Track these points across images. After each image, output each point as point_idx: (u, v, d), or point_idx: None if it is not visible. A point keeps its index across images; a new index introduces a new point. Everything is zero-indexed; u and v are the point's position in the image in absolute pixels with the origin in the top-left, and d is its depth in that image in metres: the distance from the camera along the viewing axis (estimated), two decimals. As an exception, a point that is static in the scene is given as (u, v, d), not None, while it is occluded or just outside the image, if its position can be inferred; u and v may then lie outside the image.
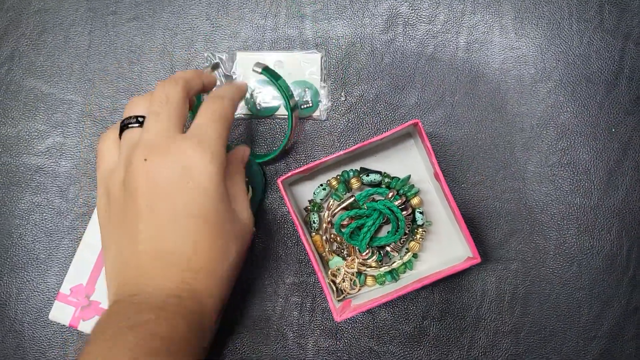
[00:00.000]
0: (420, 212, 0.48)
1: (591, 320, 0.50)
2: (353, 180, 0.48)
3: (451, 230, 0.50)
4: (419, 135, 0.46)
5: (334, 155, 0.46)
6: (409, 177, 0.49)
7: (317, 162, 0.46)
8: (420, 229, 0.48)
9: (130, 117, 0.40)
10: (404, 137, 0.50)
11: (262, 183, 0.50)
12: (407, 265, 0.49)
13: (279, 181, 0.46)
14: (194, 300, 0.36)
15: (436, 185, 0.49)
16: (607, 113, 0.51)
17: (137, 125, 0.39)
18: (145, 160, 0.36)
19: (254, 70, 0.49)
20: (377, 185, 0.49)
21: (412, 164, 0.50)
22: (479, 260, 0.44)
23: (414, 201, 0.48)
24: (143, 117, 0.39)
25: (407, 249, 0.49)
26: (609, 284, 0.50)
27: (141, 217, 0.36)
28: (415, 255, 0.49)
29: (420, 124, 0.45)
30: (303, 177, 0.50)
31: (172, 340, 0.33)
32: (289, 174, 0.46)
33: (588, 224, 0.51)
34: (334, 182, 0.49)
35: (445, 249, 0.50)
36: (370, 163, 0.50)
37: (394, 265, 0.49)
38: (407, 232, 0.48)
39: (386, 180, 0.48)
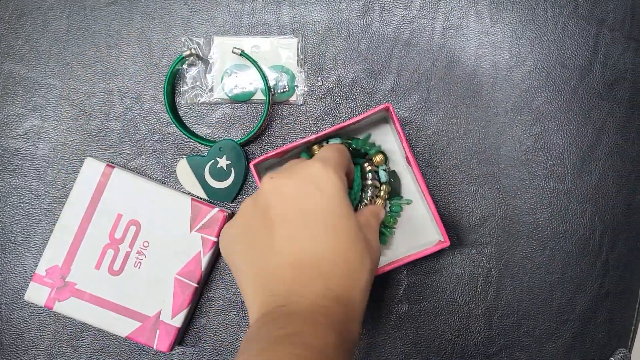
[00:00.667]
0: (384, 170, 0.49)
1: (564, 304, 0.51)
2: (314, 148, 0.49)
3: (425, 215, 0.50)
4: (391, 119, 0.47)
5: (307, 139, 0.46)
6: (369, 136, 0.49)
7: (290, 145, 0.46)
8: (384, 186, 0.49)
9: None
10: (379, 121, 0.51)
11: (244, 166, 0.51)
12: (387, 225, 0.50)
13: (251, 165, 0.46)
14: (340, 308, 0.35)
15: (411, 170, 0.49)
16: (581, 98, 0.52)
17: None
18: (272, 177, 0.38)
19: (233, 52, 0.50)
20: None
21: (388, 148, 0.51)
22: (448, 244, 0.44)
23: (377, 159, 0.48)
24: None
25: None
26: (582, 267, 0.51)
27: (274, 229, 0.37)
28: (387, 224, 0.49)
29: (391, 107, 0.45)
30: (279, 161, 0.51)
31: (324, 352, 0.32)
32: (261, 157, 0.46)
33: (561, 208, 0.51)
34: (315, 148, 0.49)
35: (419, 233, 0.50)
36: (346, 147, 0.51)
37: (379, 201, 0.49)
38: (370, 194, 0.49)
39: (346, 142, 0.48)
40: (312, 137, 0.46)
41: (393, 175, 0.50)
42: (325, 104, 0.52)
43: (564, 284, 0.51)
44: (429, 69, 0.52)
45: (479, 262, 0.51)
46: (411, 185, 0.51)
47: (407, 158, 0.47)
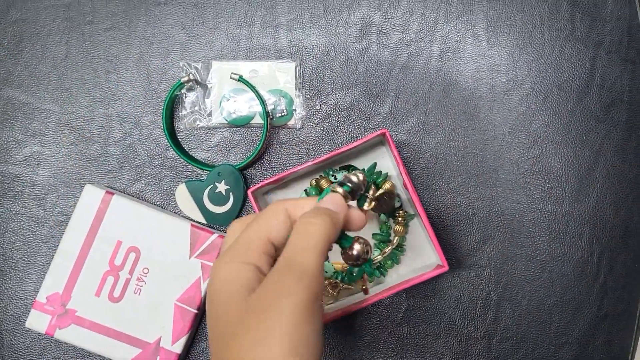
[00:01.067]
0: (397, 195, 0.49)
1: (562, 326, 0.51)
2: (322, 182, 0.49)
3: (423, 239, 0.51)
4: (388, 144, 0.47)
5: (305, 165, 0.46)
6: (375, 164, 0.49)
7: (288, 172, 0.46)
8: (401, 212, 0.49)
9: None
10: (376, 145, 0.51)
11: (243, 191, 0.51)
12: (394, 259, 0.50)
13: (249, 192, 0.46)
14: None
15: (408, 194, 0.49)
16: (579, 121, 0.52)
17: None
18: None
19: (231, 78, 0.50)
20: None
21: (385, 172, 0.51)
22: (446, 268, 0.44)
23: (386, 186, 0.49)
24: None
25: (390, 240, 0.50)
26: (580, 290, 0.51)
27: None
28: (400, 246, 0.50)
29: (388, 133, 0.45)
30: (277, 187, 0.51)
31: None
32: (259, 184, 0.46)
33: (559, 231, 0.51)
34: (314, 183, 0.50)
35: (418, 257, 0.51)
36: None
37: (379, 258, 0.49)
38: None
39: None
40: (310, 163, 0.46)
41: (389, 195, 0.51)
42: (324, 127, 0.52)
43: (563, 307, 0.51)
44: (426, 92, 0.52)
45: (478, 285, 0.51)
46: (409, 209, 0.51)
47: (404, 184, 0.47)
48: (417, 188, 0.52)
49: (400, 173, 0.47)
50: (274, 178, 0.46)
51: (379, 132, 0.45)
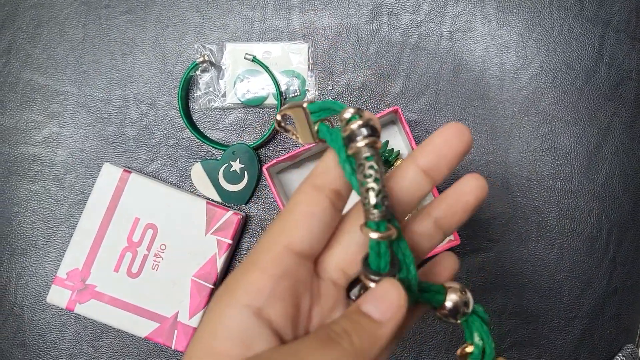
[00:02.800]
0: None
1: (572, 301, 0.52)
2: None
3: None
4: (400, 121, 0.48)
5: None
6: (387, 142, 0.50)
7: (300, 149, 0.47)
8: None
9: None
10: (388, 124, 0.52)
11: (257, 169, 0.52)
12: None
13: (264, 169, 0.47)
14: None
15: None
16: (587, 99, 0.52)
17: None
18: None
19: (245, 59, 0.51)
20: None
21: (395, 149, 0.52)
22: (458, 242, 0.45)
23: (397, 163, 0.50)
24: None
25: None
26: (590, 265, 0.52)
27: None
28: None
29: (400, 110, 0.46)
30: (290, 165, 0.52)
31: None
32: (274, 161, 0.47)
33: (569, 207, 0.52)
34: None
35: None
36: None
37: None
38: None
39: None
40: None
41: None
42: (336, 107, 0.53)
43: (572, 282, 0.52)
44: (437, 72, 0.53)
45: (488, 260, 0.52)
46: None
47: None
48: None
49: (412, 149, 0.48)
50: (288, 155, 0.47)
51: (391, 109, 0.46)
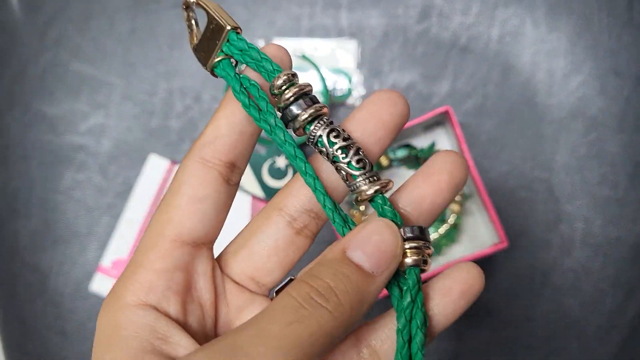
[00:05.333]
0: None
1: (614, 309, 0.51)
2: (381, 158, 0.50)
3: (478, 221, 0.51)
4: (450, 122, 0.48)
5: None
6: (434, 144, 0.50)
7: None
8: None
9: None
10: (434, 125, 0.52)
11: None
12: (450, 237, 0.50)
13: None
14: None
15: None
16: (635, 107, 0.52)
17: None
18: None
19: (294, 55, 0.51)
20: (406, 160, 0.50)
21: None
22: (505, 244, 0.45)
23: None
24: None
25: (444, 220, 0.50)
26: (634, 274, 0.51)
27: None
28: (456, 226, 0.50)
29: (451, 111, 0.46)
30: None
31: None
32: None
33: (614, 215, 0.52)
34: None
35: (472, 239, 0.51)
36: (401, 150, 0.52)
37: (435, 236, 0.50)
38: None
39: (413, 152, 0.49)
40: None
41: None
42: (381, 107, 0.53)
43: (615, 290, 0.51)
44: (484, 75, 0.53)
45: (531, 265, 0.52)
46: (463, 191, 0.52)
47: None
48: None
49: (461, 151, 0.48)
50: None
51: (441, 109, 0.46)
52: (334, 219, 0.22)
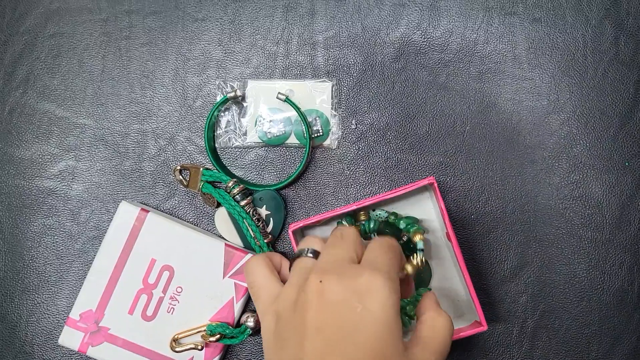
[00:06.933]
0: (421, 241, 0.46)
1: (600, 357, 0.50)
2: (360, 214, 0.48)
3: (459, 287, 0.49)
4: (434, 193, 0.46)
5: (346, 209, 0.45)
6: (417, 219, 0.48)
7: (329, 213, 0.46)
8: (417, 254, 0.45)
9: (304, 249, 0.40)
10: (418, 189, 0.49)
11: (283, 217, 0.51)
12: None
13: (289, 231, 0.46)
14: None
15: (449, 244, 0.48)
16: (621, 146, 0.51)
17: (311, 255, 0.40)
18: (320, 281, 0.35)
19: (278, 98, 0.50)
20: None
21: (426, 217, 0.50)
22: (485, 328, 0.44)
23: (416, 238, 0.46)
24: (317, 251, 0.40)
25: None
26: (620, 320, 0.50)
27: (307, 336, 0.34)
28: (410, 315, 0.47)
29: (435, 183, 0.44)
30: (318, 226, 0.50)
31: None
32: (301, 224, 0.46)
33: (599, 258, 0.50)
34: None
35: (454, 305, 0.49)
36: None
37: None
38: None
39: (392, 218, 0.48)
40: (354, 206, 0.45)
41: (426, 267, 0.49)
42: (359, 147, 0.52)
43: (601, 337, 0.50)
44: (464, 114, 0.51)
45: (514, 311, 0.50)
46: (447, 256, 0.49)
47: (447, 234, 0.46)
48: (451, 211, 0.51)
49: (445, 224, 0.45)
50: (316, 219, 0.46)
51: (425, 181, 0.44)
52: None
